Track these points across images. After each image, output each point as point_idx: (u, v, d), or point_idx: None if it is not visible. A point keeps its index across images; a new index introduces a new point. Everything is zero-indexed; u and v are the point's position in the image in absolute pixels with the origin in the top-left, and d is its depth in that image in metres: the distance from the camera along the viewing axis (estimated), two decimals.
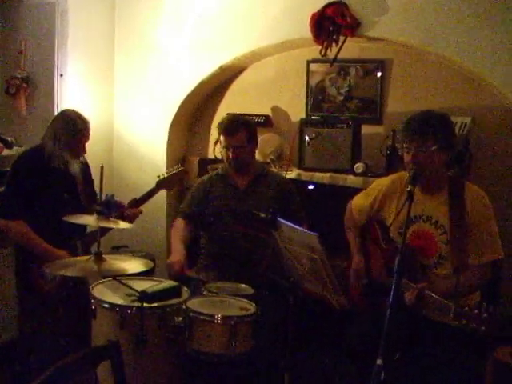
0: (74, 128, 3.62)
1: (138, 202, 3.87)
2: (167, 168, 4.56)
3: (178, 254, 3.62)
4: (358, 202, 3.44)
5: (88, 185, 3.86)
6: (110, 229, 3.66)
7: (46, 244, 3.49)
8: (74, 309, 3.45)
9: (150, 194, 3.91)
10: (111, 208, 3.42)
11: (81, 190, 3.77)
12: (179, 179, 4.17)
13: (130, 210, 3.82)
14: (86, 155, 3.84)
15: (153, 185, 3.93)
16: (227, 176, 3.87)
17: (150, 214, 4.51)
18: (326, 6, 4.19)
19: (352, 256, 3.34)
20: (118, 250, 4.69)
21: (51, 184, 3.59)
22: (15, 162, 3.68)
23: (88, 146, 3.75)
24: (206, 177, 4.03)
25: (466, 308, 2.56)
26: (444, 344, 2.86)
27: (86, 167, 3.88)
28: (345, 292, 2.69)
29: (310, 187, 4.35)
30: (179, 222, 3.89)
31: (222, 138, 3.80)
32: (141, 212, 3.90)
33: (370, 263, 3.26)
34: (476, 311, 2.52)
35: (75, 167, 3.68)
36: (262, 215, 2.91)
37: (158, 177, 3.93)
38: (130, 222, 3.69)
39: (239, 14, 4.61)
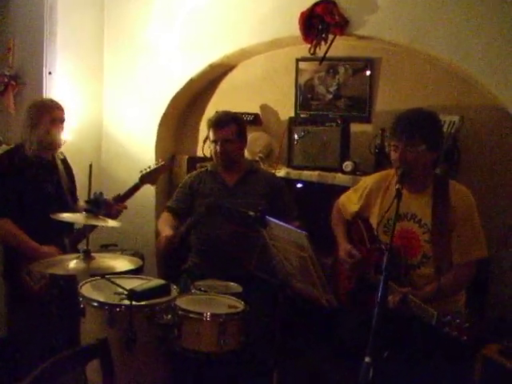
0: (40, 106, 3.65)
1: (122, 198, 3.85)
2: None
3: (166, 232, 3.65)
4: (345, 199, 3.45)
5: (72, 184, 3.87)
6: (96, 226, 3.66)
7: (33, 242, 3.47)
8: (63, 308, 3.43)
9: (134, 188, 3.88)
10: (100, 206, 3.40)
11: (66, 189, 3.76)
12: (162, 173, 4.14)
13: (116, 206, 3.80)
14: (64, 152, 3.82)
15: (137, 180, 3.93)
16: (216, 173, 3.88)
17: (139, 212, 4.51)
18: (315, 5, 4.19)
19: (339, 245, 3.33)
20: (106, 248, 4.67)
21: (35, 180, 3.57)
22: None
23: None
24: (194, 173, 4.04)
25: (449, 317, 2.57)
26: (433, 342, 2.86)
27: (69, 167, 3.88)
28: (333, 290, 2.70)
29: (299, 186, 4.36)
30: (165, 215, 3.92)
31: (211, 131, 3.81)
32: (125, 207, 3.88)
33: None
34: (458, 320, 2.53)
35: (48, 154, 3.66)
36: (251, 213, 2.92)
37: (141, 171, 3.92)
38: (116, 217, 3.69)
39: (228, 12, 4.61)
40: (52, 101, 3.74)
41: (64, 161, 3.85)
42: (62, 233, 3.61)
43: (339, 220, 3.46)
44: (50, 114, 3.66)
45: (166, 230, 3.69)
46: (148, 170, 3.92)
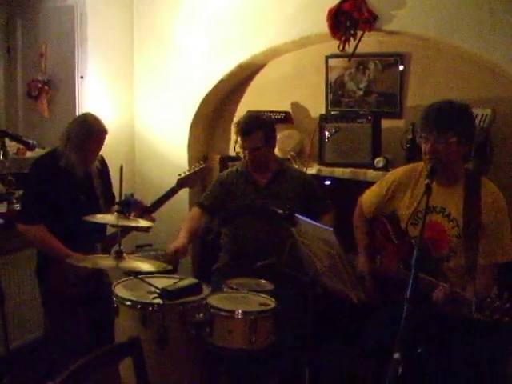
0: (87, 131, 3.53)
1: (157, 202, 3.78)
2: (189, 166, 4.57)
3: (177, 241, 3.63)
4: (369, 194, 3.40)
5: (106, 187, 3.82)
6: (131, 229, 3.66)
7: (64, 248, 3.46)
8: (97, 308, 3.47)
9: (171, 192, 3.81)
10: (130, 207, 3.40)
11: (99, 192, 3.74)
12: (201, 177, 4.09)
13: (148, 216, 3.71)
14: (103, 155, 3.80)
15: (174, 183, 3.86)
16: (247, 173, 3.88)
17: (172, 212, 4.54)
18: (343, 1, 4.18)
19: (359, 256, 3.30)
20: (141, 248, 4.71)
21: (68, 187, 3.56)
22: (31, 166, 3.66)
23: (109, 146, 3.74)
24: (225, 172, 4.04)
25: (488, 299, 2.52)
26: (467, 338, 2.83)
27: (105, 169, 3.85)
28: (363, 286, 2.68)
29: (327, 183, 4.34)
30: (194, 211, 3.94)
31: (239, 138, 3.82)
32: (153, 220, 3.76)
33: (382, 259, 3.23)
34: (498, 302, 2.48)
35: (80, 172, 3.57)
36: (280, 211, 2.93)
37: (179, 175, 3.84)
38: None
39: (256, 11, 4.63)
40: (99, 127, 3.58)
41: (100, 161, 3.79)
42: (95, 238, 3.63)
43: (360, 223, 3.42)
44: (98, 145, 3.61)
45: (178, 241, 3.65)
46: (186, 173, 3.84)
